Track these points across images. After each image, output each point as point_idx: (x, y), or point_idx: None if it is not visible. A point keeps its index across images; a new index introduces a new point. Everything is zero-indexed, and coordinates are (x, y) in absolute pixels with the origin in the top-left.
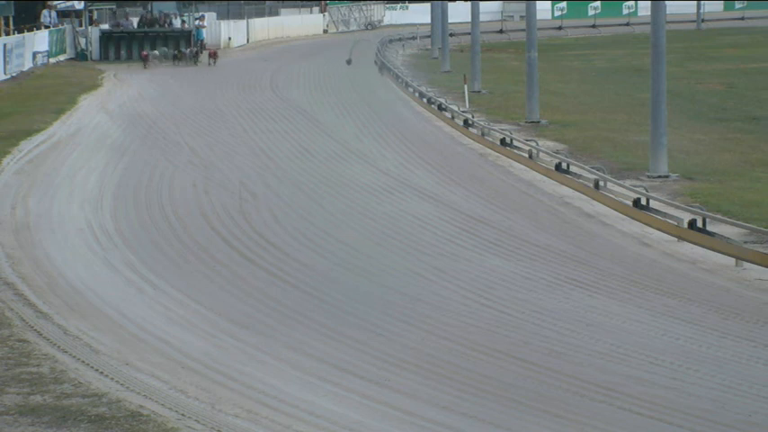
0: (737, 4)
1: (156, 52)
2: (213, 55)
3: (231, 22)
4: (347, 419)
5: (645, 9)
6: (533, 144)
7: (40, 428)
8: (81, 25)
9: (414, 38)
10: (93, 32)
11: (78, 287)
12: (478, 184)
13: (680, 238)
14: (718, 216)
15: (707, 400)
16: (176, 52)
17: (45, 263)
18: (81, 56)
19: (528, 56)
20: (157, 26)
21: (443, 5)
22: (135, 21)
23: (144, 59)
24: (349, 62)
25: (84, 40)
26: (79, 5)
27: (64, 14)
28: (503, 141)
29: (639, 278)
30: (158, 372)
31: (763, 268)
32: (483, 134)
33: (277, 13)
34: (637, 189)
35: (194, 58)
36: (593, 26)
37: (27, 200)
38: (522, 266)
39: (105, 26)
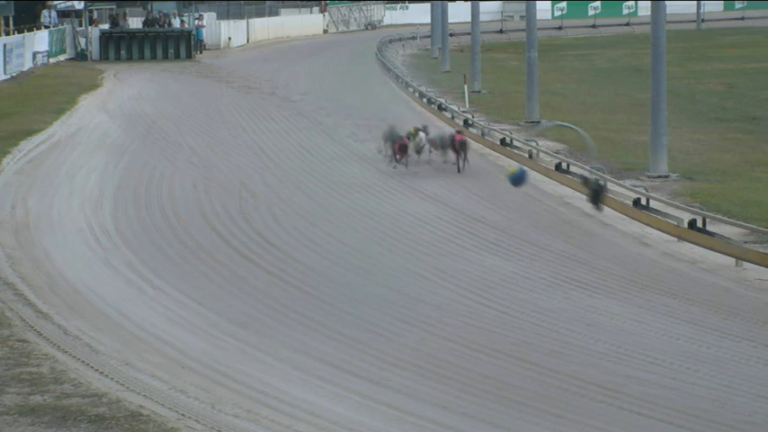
0: (737, 4)
1: (422, 137)
2: (461, 147)
3: (231, 22)
4: (347, 419)
5: (645, 9)
6: (533, 144)
7: (40, 428)
8: (81, 25)
9: (414, 38)
10: (94, 32)
11: (78, 287)
12: (478, 184)
13: (680, 238)
14: (719, 216)
15: (707, 400)
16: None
17: (45, 263)
18: (81, 56)
19: (528, 56)
20: (157, 26)
21: (443, 5)
22: (139, 21)
23: (396, 153)
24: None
25: (84, 40)
26: (79, 5)
27: (64, 14)
28: (503, 141)
29: (639, 278)
30: (158, 372)
31: (763, 268)
32: (483, 134)
33: (277, 13)
34: (637, 189)
35: (463, 154)
36: (593, 26)
37: (27, 200)
38: (522, 266)
39: (105, 26)
